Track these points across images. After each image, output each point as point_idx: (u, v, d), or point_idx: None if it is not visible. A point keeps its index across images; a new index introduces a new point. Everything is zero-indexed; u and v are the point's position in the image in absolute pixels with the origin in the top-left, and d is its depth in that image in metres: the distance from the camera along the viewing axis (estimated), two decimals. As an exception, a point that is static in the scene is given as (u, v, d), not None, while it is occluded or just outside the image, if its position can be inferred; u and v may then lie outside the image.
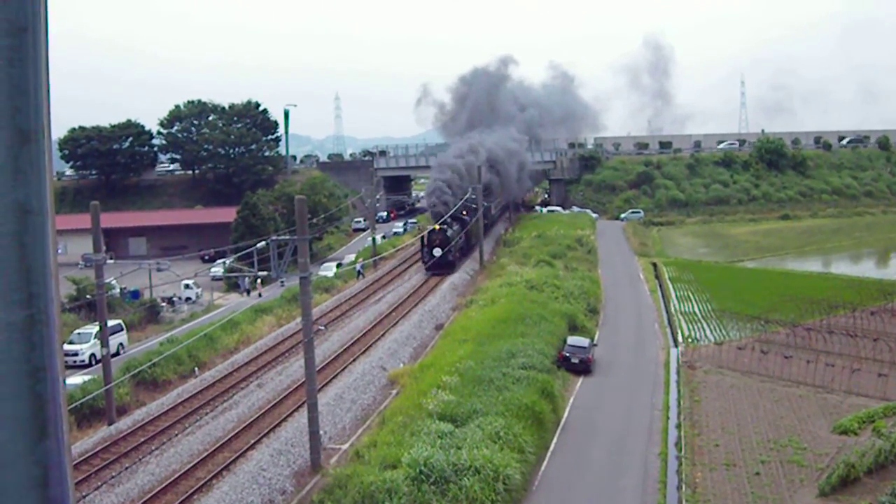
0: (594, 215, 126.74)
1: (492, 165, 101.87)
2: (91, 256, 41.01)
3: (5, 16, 1.85)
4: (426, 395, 38.92)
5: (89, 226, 41.38)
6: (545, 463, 35.55)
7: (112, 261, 48.29)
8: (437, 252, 75.42)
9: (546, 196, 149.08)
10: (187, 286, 74.58)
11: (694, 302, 68.54)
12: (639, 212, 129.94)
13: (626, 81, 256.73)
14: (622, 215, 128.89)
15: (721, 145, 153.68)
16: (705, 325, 60.34)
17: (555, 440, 38.25)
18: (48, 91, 1.89)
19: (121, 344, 53.80)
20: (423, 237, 79.31)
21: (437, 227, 77.87)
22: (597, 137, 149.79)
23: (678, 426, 39.55)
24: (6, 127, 1.82)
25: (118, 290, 67.97)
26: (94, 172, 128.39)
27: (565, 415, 41.75)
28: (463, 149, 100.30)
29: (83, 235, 61.54)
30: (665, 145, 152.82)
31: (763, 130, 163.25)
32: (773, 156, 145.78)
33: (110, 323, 46.18)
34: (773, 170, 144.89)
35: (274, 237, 39.30)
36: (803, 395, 43.62)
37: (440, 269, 76.25)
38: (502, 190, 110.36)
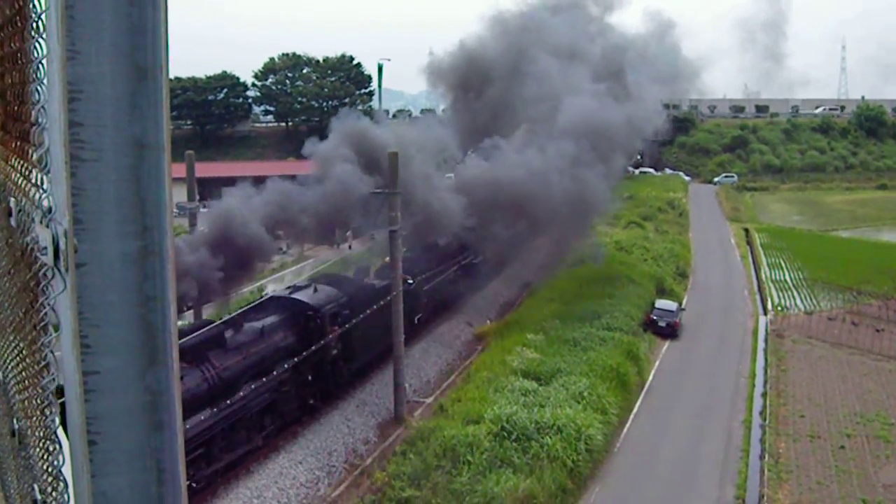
0: (687, 178, 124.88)
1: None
2: (185, 205, 41.75)
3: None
4: (511, 352, 39.03)
5: (184, 175, 42.16)
6: (628, 425, 35.46)
7: (205, 209, 48.92)
8: None
9: (638, 157, 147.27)
10: (278, 236, 75.48)
11: (785, 270, 67.32)
12: (732, 176, 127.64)
13: (733, 38, 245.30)
14: (715, 179, 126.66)
15: (817, 110, 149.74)
16: (796, 294, 59.28)
17: (638, 403, 38.11)
18: (166, 30, 1.94)
19: (212, 291, 54.70)
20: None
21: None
22: (691, 99, 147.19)
23: (764, 395, 39.09)
24: (124, 63, 1.88)
25: (211, 239, 69.05)
26: (188, 123, 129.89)
27: (650, 378, 41.53)
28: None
29: (178, 184, 62.45)
30: (761, 109, 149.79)
31: (863, 97, 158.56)
32: (872, 123, 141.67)
33: (203, 270, 46.88)
34: (872, 138, 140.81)
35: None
36: (893, 369, 42.73)
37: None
38: None
